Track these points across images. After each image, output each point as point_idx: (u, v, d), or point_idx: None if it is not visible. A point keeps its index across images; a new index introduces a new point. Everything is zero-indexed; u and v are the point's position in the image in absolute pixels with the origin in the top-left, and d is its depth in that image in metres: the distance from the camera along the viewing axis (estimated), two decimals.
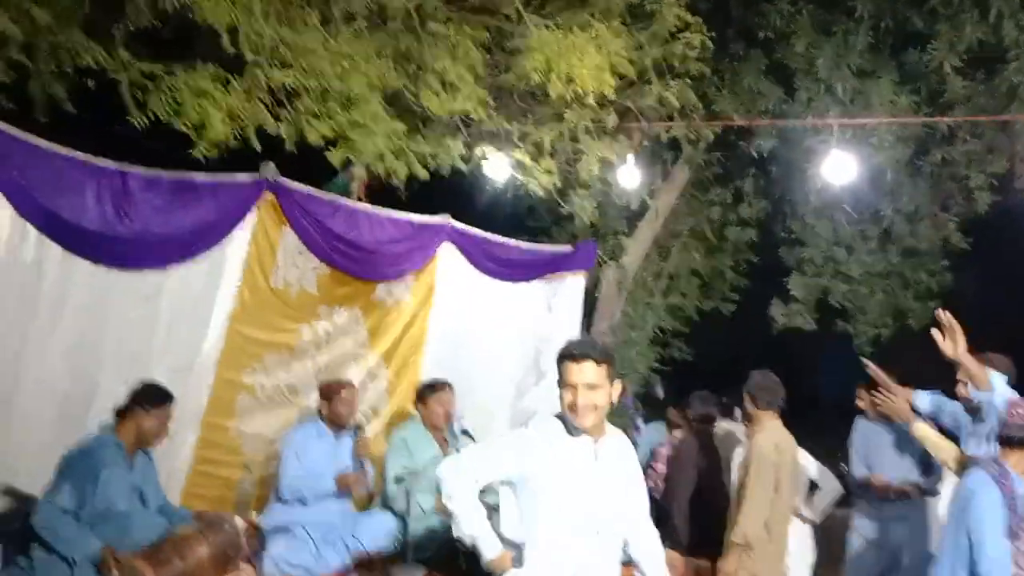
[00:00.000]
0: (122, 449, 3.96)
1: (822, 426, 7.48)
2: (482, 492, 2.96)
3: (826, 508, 5.63)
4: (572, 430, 2.87)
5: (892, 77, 6.67)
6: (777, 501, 4.47)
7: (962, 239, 7.47)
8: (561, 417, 2.89)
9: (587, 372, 2.80)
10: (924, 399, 4.62)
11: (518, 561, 2.90)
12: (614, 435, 3.03)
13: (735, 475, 5.65)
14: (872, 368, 4.73)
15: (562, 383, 2.85)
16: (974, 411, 4.15)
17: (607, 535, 2.93)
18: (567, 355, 2.85)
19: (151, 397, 4.06)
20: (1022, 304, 9.65)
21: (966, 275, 8.02)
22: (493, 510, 3.16)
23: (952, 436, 4.41)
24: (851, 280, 7.88)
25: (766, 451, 4.48)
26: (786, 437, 4.65)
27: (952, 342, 4.01)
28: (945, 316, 4.02)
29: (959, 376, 4.17)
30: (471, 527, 2.90)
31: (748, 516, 4.41)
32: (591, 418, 2.82)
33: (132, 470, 4.00)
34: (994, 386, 3.94)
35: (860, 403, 5.30)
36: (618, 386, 2.91)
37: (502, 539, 2.95)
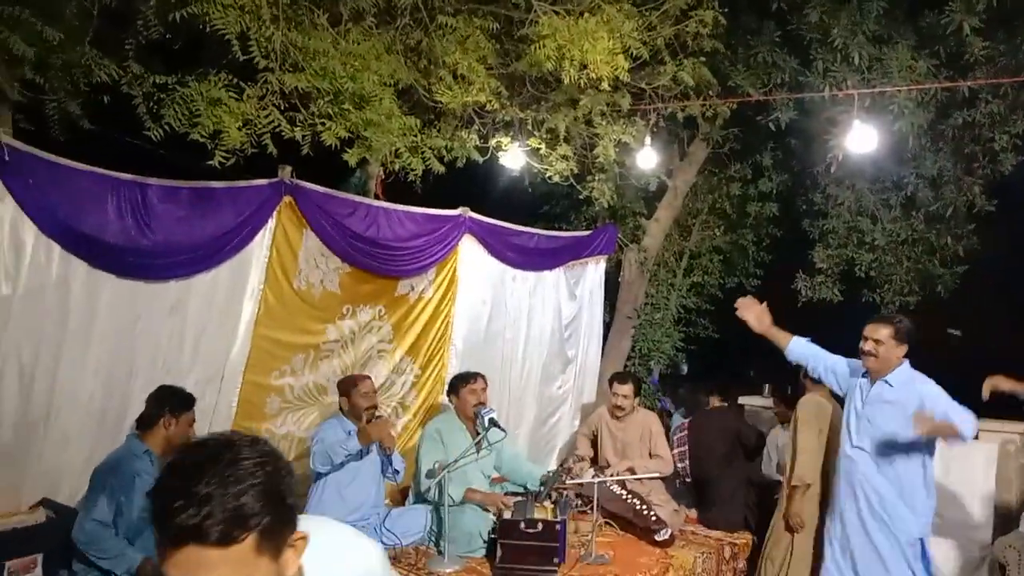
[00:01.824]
0: (152, 456, 3.95)
1: None
2: None
3: None
4: None
5: (909, 42, 6.52)
6: (827, 448, 4.81)
7: (987, 202, 7.31)
8: None
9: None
10: (799, 344, 4.53)
11: None
12: None
13: (774, 453, 5.88)
14: None
15: None
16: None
17: None
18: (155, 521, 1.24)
19: (177, 403, 4.06)
20: None
21: (993, 238, 7.87)
22: None
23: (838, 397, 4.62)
24: (876, 249, 7.76)
25: (809, 406, 4.95)
26: (828, 399, 4.99)
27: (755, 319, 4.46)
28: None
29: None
30: None
31: (801, 462, 4.80)
32: None
33: None
34: None
35: None
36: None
37: None
